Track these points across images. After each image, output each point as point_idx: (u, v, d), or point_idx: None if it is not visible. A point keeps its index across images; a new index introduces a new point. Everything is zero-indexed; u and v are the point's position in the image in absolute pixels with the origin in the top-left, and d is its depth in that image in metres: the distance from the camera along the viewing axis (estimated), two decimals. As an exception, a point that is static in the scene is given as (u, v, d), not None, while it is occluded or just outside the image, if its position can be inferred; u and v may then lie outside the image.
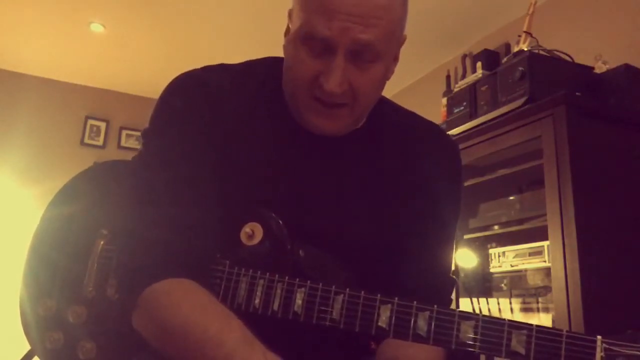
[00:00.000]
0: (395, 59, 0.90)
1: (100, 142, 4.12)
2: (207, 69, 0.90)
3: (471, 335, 0.69)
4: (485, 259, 2.17)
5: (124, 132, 4.20)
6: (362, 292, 0.74)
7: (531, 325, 0.67)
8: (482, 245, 2.23)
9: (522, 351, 0.66)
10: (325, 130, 0.85)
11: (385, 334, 0.73)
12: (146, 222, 0.79)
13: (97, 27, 3.26)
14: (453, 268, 0.96)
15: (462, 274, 2.17)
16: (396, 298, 0.73)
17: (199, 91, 0.87)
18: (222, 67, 0.92)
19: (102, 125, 4.15)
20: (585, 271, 1.60)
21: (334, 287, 0.76)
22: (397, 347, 0.82)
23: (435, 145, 0.97)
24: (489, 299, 2.13)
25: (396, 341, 0.78)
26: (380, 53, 0.81)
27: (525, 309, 1.99)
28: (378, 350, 0.86)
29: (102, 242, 0.93)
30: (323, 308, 0.75)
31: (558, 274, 1.66)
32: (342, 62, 0.78)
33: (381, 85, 0.87)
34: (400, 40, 0.88)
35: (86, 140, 4.09)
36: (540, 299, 1.93)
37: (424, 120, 1.01)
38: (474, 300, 2.13)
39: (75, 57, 3.69)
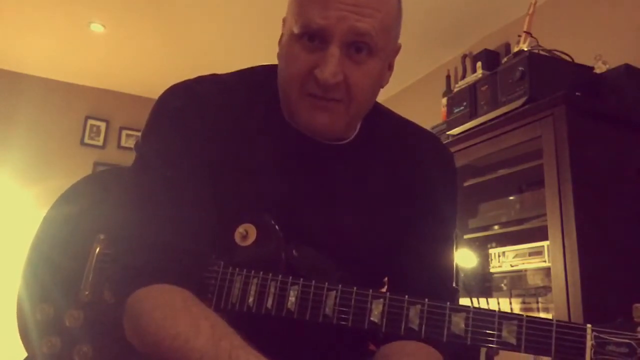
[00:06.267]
0: (390, 67, 0.90)
1: (100, 142, 4.13)
2: (198, 80, 0.90)
3: (462, 327, 0.69)
4: (485, 259, 2.17)
5: (124, 132, 4.20)
6: (355, 288, 0.75)
7: (522, 315, 0.68)
8: (482, 245, 2.22)
9: (514, 341, 0.67)
10: (319, 127, 0.83)
11: (377, 329, 0.73)
12: (139, 225, 0.79)
13: (97, 27, 3.26)
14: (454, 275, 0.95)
15: (462, 274, 2.17)
16: (387, 293, 0.73)
17: (192, 100, 0.87)
18: (213, 77, 0.92)
19: (102, 125, 4.15)
20: (585, 271, 1.60)
21: (326, 284, 0.76)
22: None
23: (429, 150, 0.97)
24: (489, 299, 2.13)
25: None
26: (376, 47, 0.80)
27: (525, 309, 1.98)
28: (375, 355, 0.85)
29: (99, 247, 0.93)
30: (316, 305, 0.75)
31: (558, 274, 1.66)
32: (337, 52, 0.78)
33: (376, 85, 0.87)
34: (396, 46, 0.89)
35: (86, 140, 4.09)
36: (540, 299, 1.92)
37: (417, 127, 1.01)
38: (474, 300, 2.13)
39: (75, 57, 3.69)
